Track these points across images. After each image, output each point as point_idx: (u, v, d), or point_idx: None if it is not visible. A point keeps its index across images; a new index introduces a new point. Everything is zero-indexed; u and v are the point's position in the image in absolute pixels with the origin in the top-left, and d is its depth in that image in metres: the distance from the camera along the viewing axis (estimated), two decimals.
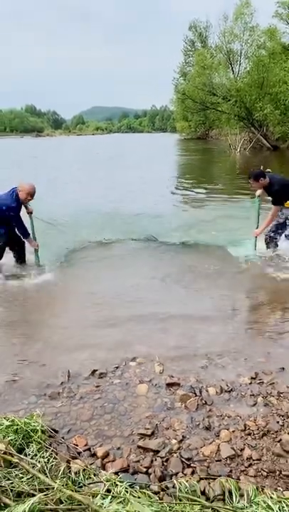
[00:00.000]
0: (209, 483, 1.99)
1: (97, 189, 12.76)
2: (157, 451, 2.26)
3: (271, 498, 1.86)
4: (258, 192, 5.69)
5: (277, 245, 5.88)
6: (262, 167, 5.83)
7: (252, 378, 2.93)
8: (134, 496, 1.84)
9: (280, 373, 3.00)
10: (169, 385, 2.87)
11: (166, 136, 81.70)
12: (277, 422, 2.47)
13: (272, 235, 5.82)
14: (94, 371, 3.03)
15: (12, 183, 5.30)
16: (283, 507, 1.80)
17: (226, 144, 32.49)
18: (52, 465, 2.05)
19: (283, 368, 3.05)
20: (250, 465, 2.17)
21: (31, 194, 5.20)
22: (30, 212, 5.41)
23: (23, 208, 5.32)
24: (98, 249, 6.47)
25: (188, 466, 2.16)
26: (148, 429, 2.43)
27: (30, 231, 5.41)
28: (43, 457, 2.07)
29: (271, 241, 5.87)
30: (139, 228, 7.31)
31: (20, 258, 5.56)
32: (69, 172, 18.38)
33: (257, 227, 5.83)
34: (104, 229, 7.19)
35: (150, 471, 2.12)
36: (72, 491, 1.86)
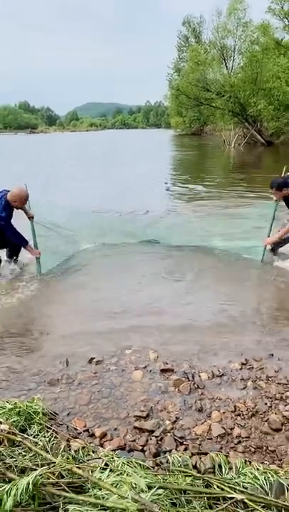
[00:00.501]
0: (200, 458, 2.13)
1: (95, 188, 12.66)
2: (152, 431, 2.40)
3: (258, 469, 2.00)
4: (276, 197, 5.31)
5: (281, 246, 5.57)
6: (285, 168, 5.42)
7: (242, 364, 3.08)
8: (130, 469, 1.97)
9: (270, 359, 3.15)
10: (163, 370, 3.01)
11: (160, 131, 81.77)
12: (266, 404, 2.62)
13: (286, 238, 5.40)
14: (91, 359, 3.16)
15: (8, 182, 5.10)
16: (268, 477, 1.95)
17: (221, 140, 32.63)
18: (53, 444, 2.18)
19: (272, 354, 3.20)
20: (239, 442, 2.31)
21: (25, 200, 4.90)
22: (31, 217, 5.08)
23: (22, 213, 5.09)
24: (99, 252, 6.20)
25: (181, 444, 2.30)
26: (143, 411, 2.57)
27: (28, 238, 5.07)
28: (45, 437, 2.21)
29: (281, 243, 5.49)
30: (139, 230, 6.99)
31: (11, 257, 5.28)
32: (65, 170, 18.41)
33: (269, 235, 5.38)
34: (104, 231, 6.83)
35: (145, 448, 2.26)
36: (73, 465, 2.00)
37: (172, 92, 40.28)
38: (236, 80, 31.01)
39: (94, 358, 3.17)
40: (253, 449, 2.25)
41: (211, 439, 2.34)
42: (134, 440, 2.33)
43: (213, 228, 7.02)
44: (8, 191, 4.88)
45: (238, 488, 1.89)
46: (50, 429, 2.29)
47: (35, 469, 1.95)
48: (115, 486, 1.89)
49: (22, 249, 5.24)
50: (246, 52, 31.41)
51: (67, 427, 2.40)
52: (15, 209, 4.96)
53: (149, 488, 1.88)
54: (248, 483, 1.93)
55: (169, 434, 2.37)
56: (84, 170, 18.23)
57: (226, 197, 10.80)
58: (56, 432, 2.27)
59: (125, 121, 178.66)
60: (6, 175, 11.57)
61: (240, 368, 3.03)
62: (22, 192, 4.86)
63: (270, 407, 2.59)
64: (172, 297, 4.50)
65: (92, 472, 1.99)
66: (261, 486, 1.91)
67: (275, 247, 5.63)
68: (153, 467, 2.10)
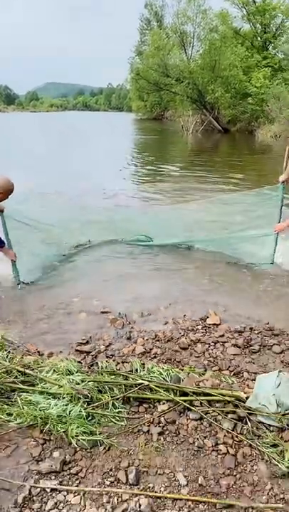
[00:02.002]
0: (123, 364, 2.85)
1: (63, 175, 11.74)
2: (89, 352, 3.09)
3: (163, 368, 2.74)
4: (282, 177, 4.60)
5: None
6: None
7: (167, 307, 3.83)
8: (69, 369, 2.66)
9: (189, 303, 3.92)
10: (103, 312, 3.71)
11: (122, 115, 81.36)
12: (180, 333, 3.37)
13: None
14: (43, 305, 3.81)
15: None
16: (170, 373, 2.69)
17: (180, 126, 33.28)
18: (10, 357, 2.82)
19: (191, 300, 3.97)
20: (155, 357, 3.05)
21: (11, 192, 3.92)
22: (0, 210, 4.13)
23: None
24: (89, 256, 5.34)
25: (111, 358, 3.00)
26: (84, 339, 3.26)
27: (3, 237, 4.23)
28: (3, 353, 2.85)
29: None
30: (126, 225, 6.13)
31: None
32: (27, 154, 18.46)
33: (279, 221, 4.65)
34: (85, 224, 5.99)
35: (82, 361, 2.94)
36: (25, 368, 2.66)
37: (132, 76, 40.36)
38: (195, 66, 31.63)
39: (45, 305, 3.82)
40: (164, 361, 2.99)
41: (134, 355, 3.05)
42: (75, 357, 3.00)
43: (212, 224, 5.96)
44: None
45: (146, 379, 2.62)
46: (8, 348, 2.93)
47: None
48: (57, 381, 2.57)
49: None
50: (205, 39, 31.99)
51: (22, 349, 3.05)
52: None
53: (83, 381, 2.58)
54: (155, 376, 2.67)
55: (102, 353, 3.07)
56: (54, 151, 18.28)
57: (200, 179, 11.13)
58: (13, 350, 2.92)
59: (87, 103, 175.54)
60: None
61: (166, 309, 3.78)
62: (8, 182, 3.85)
63: (183, 335, 3.34)
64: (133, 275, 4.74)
65: (40, 373, 2.66)
66: (164, 378, 2.66)
67: None
68: (87, 371, 2.79)
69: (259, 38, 34.05)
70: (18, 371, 2.67)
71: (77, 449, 2.20)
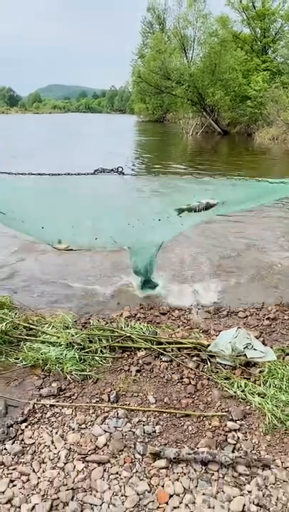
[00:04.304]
0: (111, 323, 3.42)
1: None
2: (82, 315, 3.67)
3: (143, 325, 3.32)
4: None
5: None
6: None
7: None
8: (66, 324, 3.24)
9: (175, 279, 4.49)
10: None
11: (124, 117, 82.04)
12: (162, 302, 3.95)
13: None
14: (44, 279, 4.40)
15: None
16: (149, 328, 3.27)
17: (180, 128, 33.87)
18: (17, 316, 3.40)
19: (176, 275, 4.54)
20: (138, 319, 3.62)
21: None
22: None
23: None
24: None
25: (101, 319, 3.58)
26: (79, 305, 3.83)
27: None
28: (12, 313, 3.43)
29: None
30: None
31: None
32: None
33: None
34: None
35: (77, 321, 3.52)
36: (30, 324, 3.24)
37: (134, 79, 40.96)
38: (195, 69, 32.19)
39: (46, 278, 4.40)
40: (146, 322, 3.56)
41: (121, 318, 3.63)
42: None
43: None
44: None
45: (129, 332, 3.20)
46: (16, 310, 3.51)
47: None
48: (56, 333, 3.15)
49: None
50: (205, 43, 32.55)
51: (28, 311, 3.63)
52: None
53: (77, 334, 3.16)
54: (136, 331, 3.25)
55: (94, 316, 3.65)
56: (58, 150, 18.94)
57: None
58: (20, 311, 3.50)
59: (89, 105, 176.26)
60: None
61: None
62: None
63: (164, 303, 3.92)
64: None
65: (42, 327, 3.24)
66: (144, 332, 3.23)
67: None
68: (81, 328, 3.37)
69: (259, 42, 34.66)
70: (24, 326, 3.25)
71: (71, 381, 2.77)
